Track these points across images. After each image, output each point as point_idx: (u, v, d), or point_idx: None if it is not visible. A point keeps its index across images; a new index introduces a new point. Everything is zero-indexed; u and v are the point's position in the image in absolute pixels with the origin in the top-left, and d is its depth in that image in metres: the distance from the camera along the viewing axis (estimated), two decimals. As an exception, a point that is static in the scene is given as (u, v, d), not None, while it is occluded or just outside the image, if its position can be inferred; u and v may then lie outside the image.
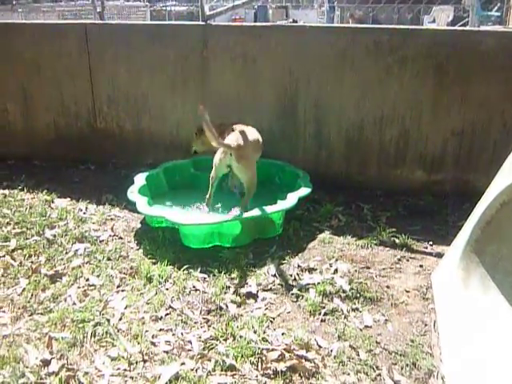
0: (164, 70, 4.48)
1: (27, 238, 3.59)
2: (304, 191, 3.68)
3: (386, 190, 4.19)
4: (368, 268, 3.18)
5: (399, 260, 3.27)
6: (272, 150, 4.24)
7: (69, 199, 4.21)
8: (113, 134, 4.85)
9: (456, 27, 3.96)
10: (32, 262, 3.31)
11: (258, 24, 4.25)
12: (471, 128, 3.92)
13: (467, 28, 4.02)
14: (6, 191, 4.38)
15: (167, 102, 4.57)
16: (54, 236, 3.61)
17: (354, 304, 2.83)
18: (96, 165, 4.98)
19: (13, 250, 3.45)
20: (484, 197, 2.80)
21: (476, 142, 3.94)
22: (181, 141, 4.64)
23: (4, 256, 3.39)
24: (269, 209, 3.39)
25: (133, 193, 3.73)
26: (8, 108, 5.09)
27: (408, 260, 3.28)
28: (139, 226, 3.78)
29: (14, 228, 3.72)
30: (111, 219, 3.90)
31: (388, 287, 2.99)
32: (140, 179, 3.96)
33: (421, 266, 3.20)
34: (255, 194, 4.08)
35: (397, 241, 3.48)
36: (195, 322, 2.73)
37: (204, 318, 2.75)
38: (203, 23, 4.26)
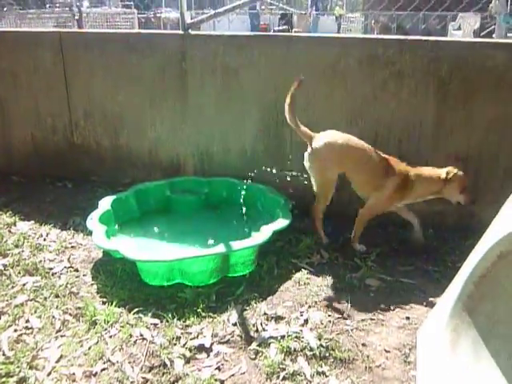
0: (141, 83, 4.12)
1: (-25, 268, 3.27)
2: (280, 224, 3.25)
3: (381, 221, 3.69)
4: (345, 319, 2.73)
5: (383, 309, 2.80)
6: (258, 172, 3.86)
7: (32, 222, 3.87)
8: (90, 150, 4.51)
9: (460, 38, 3.46)
10: (-27, 298, 2.98)
11: (240, 33, 3.85)
12: (477, 153, 3.44)
13: (475, 39, 3.54)
14: (-31, 211, 4.07)
15: (145, 117, 4.21)
16: (5, 266, 3.27)
17: (321, 366, 2.39)
18: (73, 182, 4.64)
19: (-44, 282, 3.13)
20: (479, 245, 2.33)
21: (482, 169, 3.46)
22: (160, 160, 4.28)
23: None
24: (236, 245, 2.97)
25: (92, 220, 3.36)
26: (-15, 119, 4.80)
27: (393, 309, 2.81)
28: (101, 256, 3.41)
29: (-38, 256, 3.40)
30: (72, 247, 3.54)
31: (364, 345, 2.53)
32: (105, 204, 3.59)
33: (407, 317, 2.73)
34: (232, 222, 3.74)
35: (383, 284, 3.02)
36: (132, 382, 2.34)
37: (143, 378, 2.36)
38: (182, 32, 3.88)
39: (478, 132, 3.44)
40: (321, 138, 3.28)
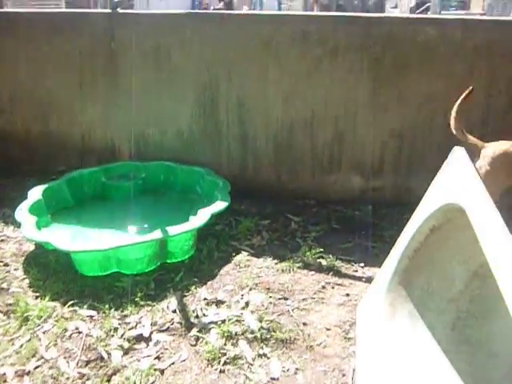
0: (69, 66, 3.93)
1: None
2: (218, 206, 3.19)
3: (321, 200, 3.73)
4: (286, 299, 2.72)
5: (323, 287, 2.81)
6: (195, 154, 3.78)
7: (-43, 217, 3.66)
8: (19, 138, 4.28)
9: (393, 14, 3.48)
10: None
11: (171, 12, 3.72)
12: (412, 129, 3.49)
13: (406, 15, 3.57)
14: None
15: (75, 101, 4.03)
16: None
17: (262, 348, 2.37)
18: (3, 172, 4.40)
19: None
20: (413, 219, 2.36)
21: (417, 144, 3.51)
22: (94, 145, 4.12)
23: None
24: (173, 230, 2.90)
25: (21, 211, 3.19)
26: None
27: (333, 287, 2.82)
28: (32, 248, 3.25)
29: None
30: (1, 241, 3.36)
31: (305, 324, 2.53)
32: (36, 193, 3.43)
33: (347, 294, 2.76)
34: (171, 206, 3.67)
35: (323, 263, 3.03)
36: (67, 378, 2.24)
37: (79, 373, 2.27)
38: (109, 11, 3.72)
39: (411, 108, 3.48)
40: (493, 147, 2.93)
